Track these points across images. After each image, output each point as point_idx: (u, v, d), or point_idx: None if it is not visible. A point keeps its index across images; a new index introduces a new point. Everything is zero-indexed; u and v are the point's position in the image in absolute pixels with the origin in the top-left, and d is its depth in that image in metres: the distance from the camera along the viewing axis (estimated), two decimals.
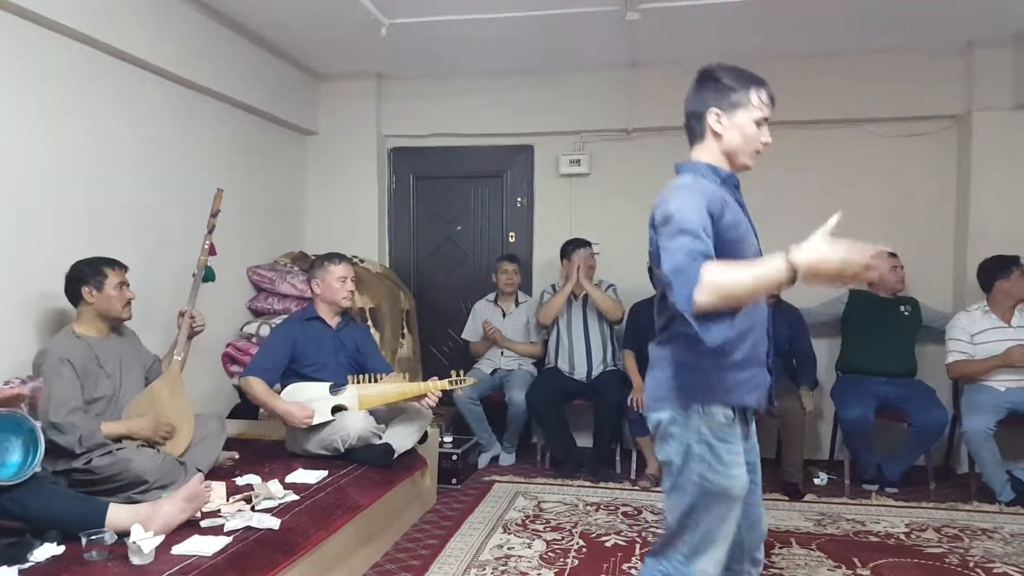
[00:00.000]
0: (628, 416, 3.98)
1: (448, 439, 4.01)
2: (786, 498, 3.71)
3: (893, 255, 3.94)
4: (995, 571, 2.83)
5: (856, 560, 2.92)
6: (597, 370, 4.25)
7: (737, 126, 1.73)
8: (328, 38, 4.16)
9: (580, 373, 4.26)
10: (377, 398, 3.06)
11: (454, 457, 3.89)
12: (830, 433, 4.26)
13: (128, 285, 2.72)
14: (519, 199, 4.94)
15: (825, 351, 4.33)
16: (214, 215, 3.09)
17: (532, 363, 4.51)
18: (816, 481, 3.99)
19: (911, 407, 3.72)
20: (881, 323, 3.95)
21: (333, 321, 3.34)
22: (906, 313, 3.98)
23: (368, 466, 2.99)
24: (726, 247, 1.64)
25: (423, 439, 3.30)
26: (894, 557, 2.96)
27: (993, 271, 3.75)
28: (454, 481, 3.86)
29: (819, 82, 4.37)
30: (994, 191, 4.11)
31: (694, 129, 1.80)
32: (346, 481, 2.85)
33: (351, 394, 3.06)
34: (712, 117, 1.74)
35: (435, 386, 3.06)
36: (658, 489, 3.85)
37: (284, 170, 4.67)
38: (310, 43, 4.27)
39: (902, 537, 3.18)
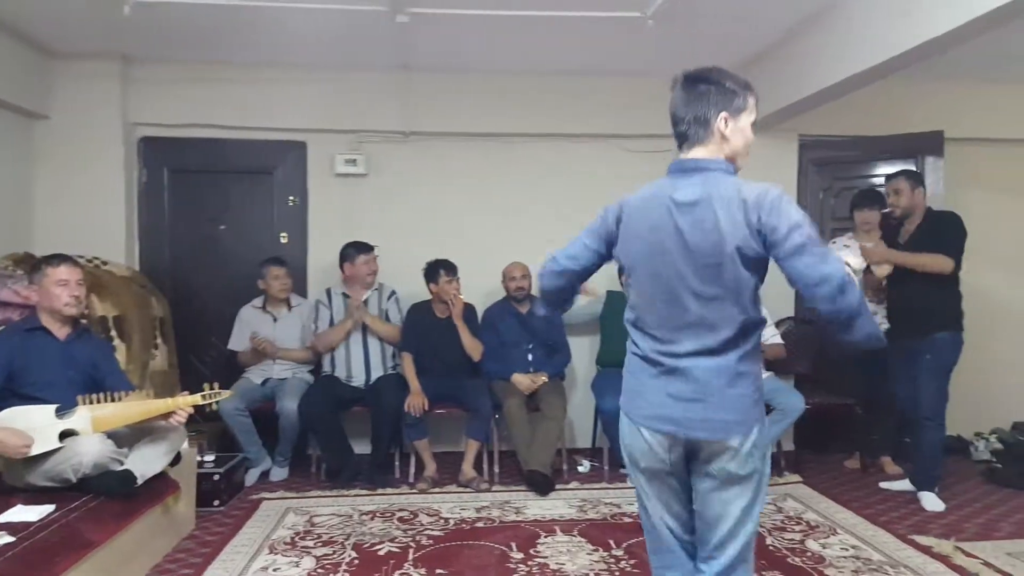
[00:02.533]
0: (406, 420, 3.96)
1: (209, 458, 3.72)
2: (533, 492, 3.85)
3: None
4: None
5: (612, 542, 3.16)
6: (375, 375, 4.19)
7: (741, 129, 1.72)
8: (62, 11, 3.68)
9: (358, 380, 4.19)
10: (115, 419, 2.74)
11: (216, 477, 3.61)
12: (592, 423, 4.57)
13: None
14: (291, 198, 4.72)
15: (587, 347, 4.66)
16: None
17: (308, 371, 4.34)
18: (580, 469, 4.28)
19: None
20: None
21: (61, 332, 2.94)
22: None
23: (106, 496, 2.68)
24: None
25: (175, 461, 3.02)
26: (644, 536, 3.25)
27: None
28: (216, 503, 3.59)
29: (583, 98, 4.68)
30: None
31: (694, 134, 1.73)
32: (78, 515, 2.53)
33: (82, 416, 2.70)
34: (721, 121, 1.71)
35: (184, 402, 2.80)
36: (436, 490, 3.90)
37: (4, 158, 4.05)
38: (40, 15, 3.74)
39: None
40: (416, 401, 3.95)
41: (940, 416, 3.67)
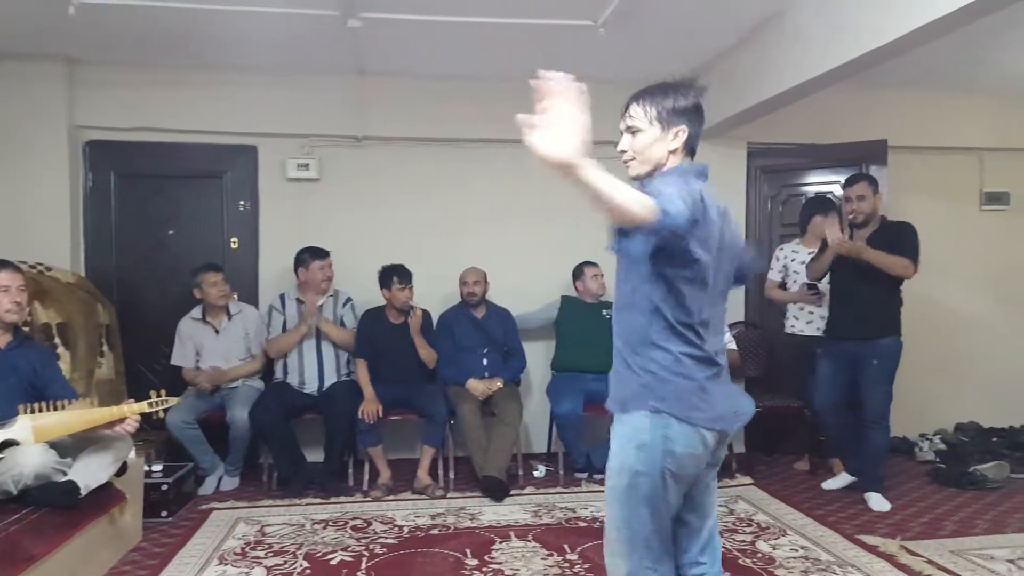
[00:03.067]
0: (359, 427, 3.99)
1: (157, 467, 3.70)
2: (488, 498, 3.89)
3: (595, 264, 4.44)
4: None
5: (566, 546, 3.22)
6: (329, 382, 4.22)
7: None
8: (5, 11, 3.65)
9: (311, 387, 4.21)
10: (58, 428, 2.72)
11: (164, 487, 3.59)
12: (547, 428, 4.65)
13: None
14: (242, 202, 4.71)
15: (542, 352, 4.75)
16: None
17: (259, 377, 4.34)
18: (535, 473, 4.36)
19: None
20: (587, 326, 4.41)
21: (2, 340, 2.92)
22: (607, 316, 4.49)
23: (49, 508, 2.66)
24: None
25: (122, 471, 3.01)
26: (598, 540, 3.22)
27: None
28: (164, 513, 3.57)
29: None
30: None
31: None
32: (18, 528, 2.52)
33: (23, 426, 2.68)
34: None
35: (130, 410, 2.78)
36: (390, 498, 3.93)
37: None
38: None
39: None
40: (370, 407, 3.98)
41: (886, 419, 3.82)
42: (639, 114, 1.81)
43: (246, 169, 4.70)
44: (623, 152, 1.85)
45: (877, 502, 3.81)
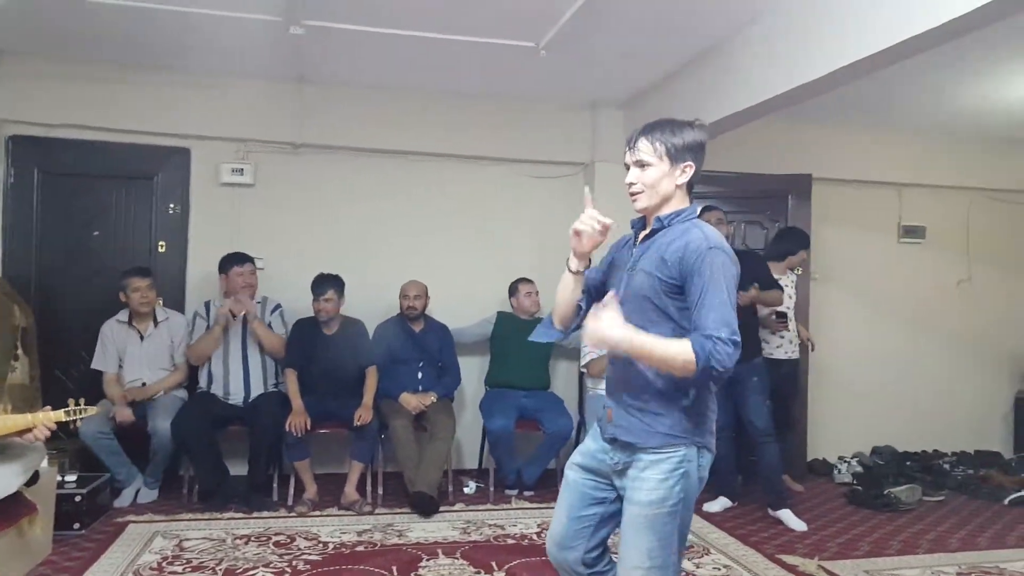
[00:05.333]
0: (286, 440, 3.98)
1: (71, 478, 3.62)
2: (417, 514, 3.93)
3: (530, 281, 4.56)
4: None
5: (494, 564, 3.27)
6: (255, 393, 4.19)
7: None
8: None
9: (236, 398, 4.18)
10: None
11: (78, 498, 3.52)
12: (479, 444, 4.72)
13: None
14: (172, 206, 4.66)
15: (476, 368, 4.84)
16: None
17: (183, 387, 4.28)
18: (466, 490, 4.42)
19: (544, 416, 4.32)
20: (522, 342, 4.42)
21: None
22: None
23: None
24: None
25: (33, 480, 2.94)
26: (526, 557, 3.37)
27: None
28: (77, 526, 3.50)
29: (479, 120, 4.89)
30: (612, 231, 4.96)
31: None
32: None
33: None
34: None
35: (45, 418, 2.71)
36: (316, 513, 3.93)
37: None
38: None
39: (534, 537, 3.64)
40: (298, 420, 3.96)
41: (773, 432, 4.06)
42: (648, 149, 1.88)
43: (178, 172, 4.66)
44: (631, 184, 1.92)
45: (792, 520, 3.95)
